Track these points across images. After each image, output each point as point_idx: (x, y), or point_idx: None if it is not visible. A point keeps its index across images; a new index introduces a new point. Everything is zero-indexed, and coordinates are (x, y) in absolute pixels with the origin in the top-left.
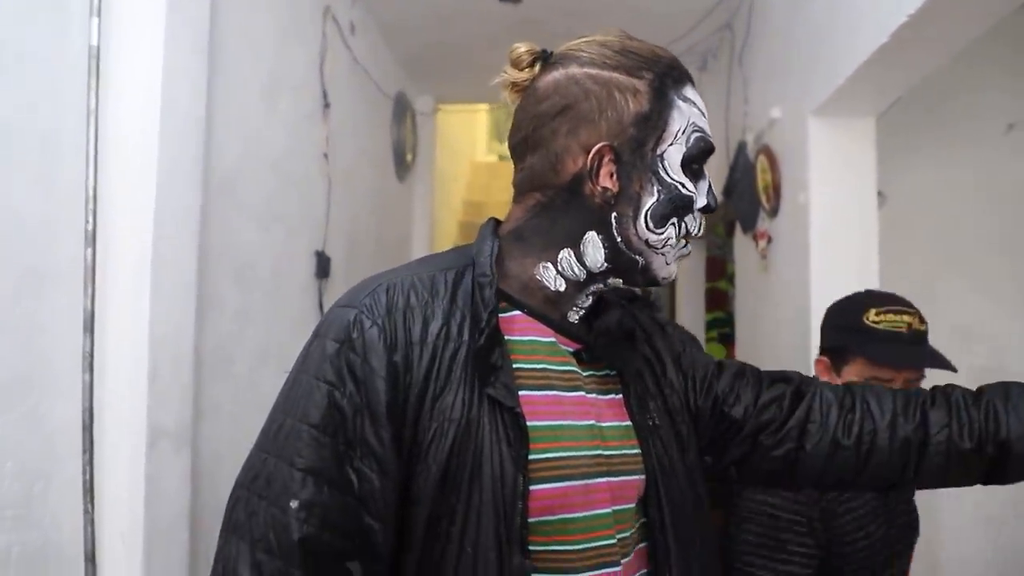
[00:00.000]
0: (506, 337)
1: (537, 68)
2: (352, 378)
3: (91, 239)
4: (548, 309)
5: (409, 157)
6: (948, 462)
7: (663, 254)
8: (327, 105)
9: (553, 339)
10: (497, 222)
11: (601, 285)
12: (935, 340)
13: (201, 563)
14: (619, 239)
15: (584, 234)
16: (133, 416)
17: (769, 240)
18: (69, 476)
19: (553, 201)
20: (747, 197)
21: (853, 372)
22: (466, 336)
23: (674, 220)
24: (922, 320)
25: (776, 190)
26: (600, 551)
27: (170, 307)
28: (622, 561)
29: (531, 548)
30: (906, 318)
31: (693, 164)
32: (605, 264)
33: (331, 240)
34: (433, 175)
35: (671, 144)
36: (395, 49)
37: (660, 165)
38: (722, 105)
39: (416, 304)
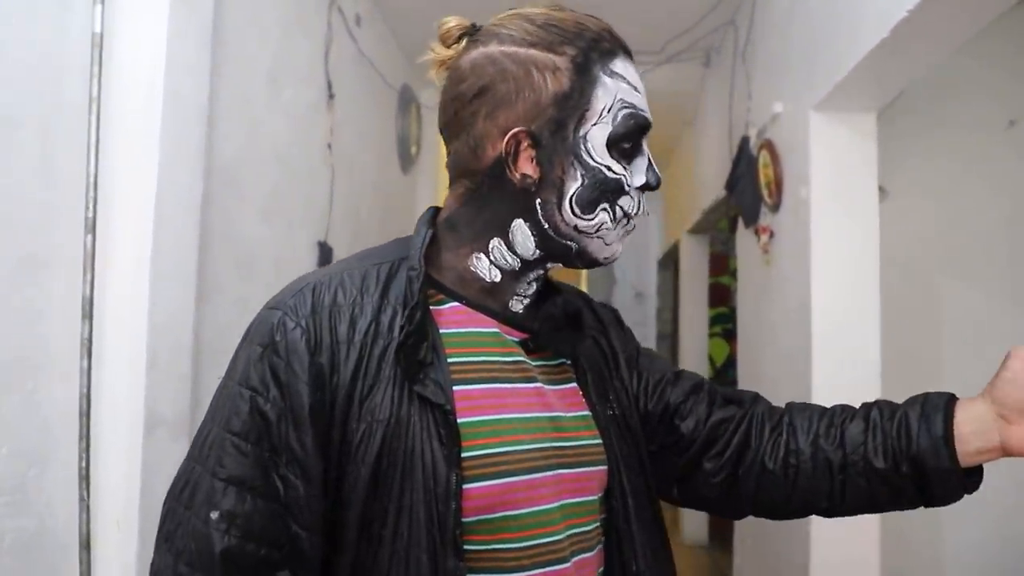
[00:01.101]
0: (442, 330)
1: (460, 46)
2: (276, 382)
3: (91, 226)
4: (487, 300)
5: (414, 150)
6: (870, 484)
7: (599, 237)
8: (331, 96)
9: (495, 329)
10: (437, 210)
11: (540, 271)
12: (936, 338)
13: None
14: (546, 226)
15: (511, 222)
16: (130, 403)
17: (771, 235)
18: (65, 462)
19: (479, 188)
20: (749, 192)
21: None
22: (396, 332)
23: (604, 205)
24: None
25: (778, 185)
26: (549, 547)
27: (170, 295)
28: (573, 559)
29: (469, 548)
30: None
31: (623, 143)
32: (537, 251)
33: (334, 231)
34: (437, 168)
35: (595, 124)
36: (401, 41)
37: (583, 147)
38: (725, 100)
39: (343, 302)
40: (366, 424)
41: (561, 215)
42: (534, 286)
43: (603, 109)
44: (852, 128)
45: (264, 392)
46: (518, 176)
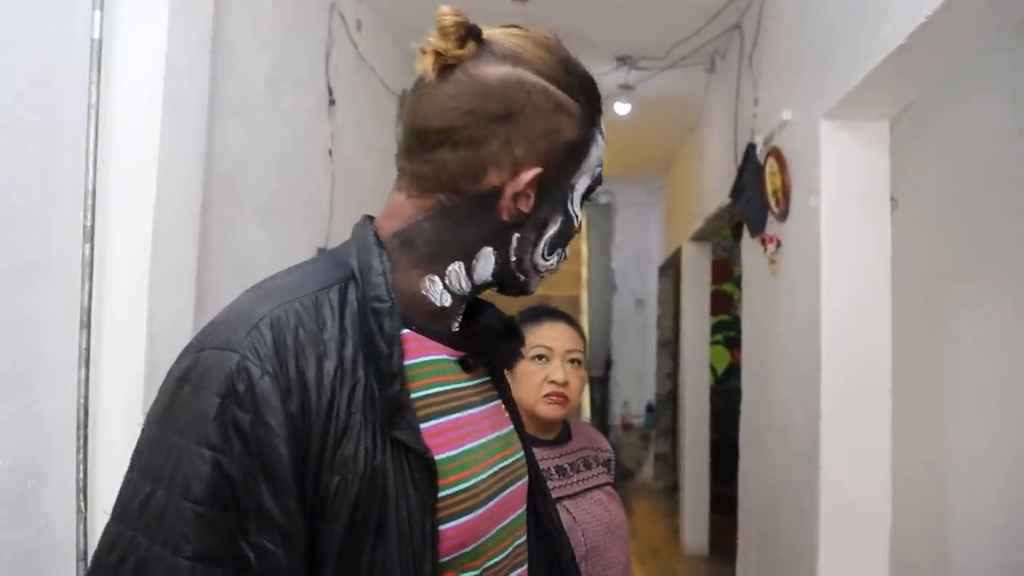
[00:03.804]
0: None
1: (470, 47)
2: (241, 439)
3: (89, 235)
4: (434, 323)
5: None
6: None
7: (542, 277)
8: (332, 102)
9: (445, 355)
10: (371, 220)
11: (477, 294)
12: (947, 349)
13: None
14: (513, 259)
15: (480, 248)
16: (129, 414)
17: (778, 244)
18: (63, 474)
19: (457, 208)
20: (756, 200)
21: None
22: (361, 372)
23: (562, 250)
24: None
25: (786, 193)
26: (497, 567)
27: (169, 303)
28: (512, 573)
29: None
30: None
31: (588, 196)
32: (490, 279)
33: (334, 237)
34: None
35: (583, 176)
36: (401, 46)
37: (570, 196)
38: (730, 106)
39: (306, 339)
40: (340, 476)
41: (533, 253)
42: (464, 305)
43: (594, 163)
44: (864, 136)
45: (228, 450)
46: (514, 211)
